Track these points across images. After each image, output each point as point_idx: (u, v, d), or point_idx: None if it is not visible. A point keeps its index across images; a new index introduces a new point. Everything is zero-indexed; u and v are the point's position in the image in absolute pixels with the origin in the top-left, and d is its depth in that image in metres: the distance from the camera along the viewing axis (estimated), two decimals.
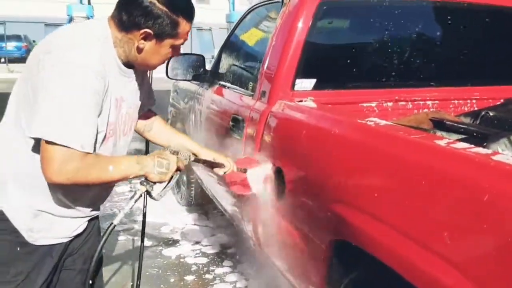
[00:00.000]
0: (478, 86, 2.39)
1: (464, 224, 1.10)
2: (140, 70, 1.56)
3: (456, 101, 2.37)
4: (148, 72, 1.72)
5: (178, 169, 1.48)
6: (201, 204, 3.80)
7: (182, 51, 1.58)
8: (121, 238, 3.27)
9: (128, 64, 1.47)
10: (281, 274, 2.15)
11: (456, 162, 1.20)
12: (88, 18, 12.87)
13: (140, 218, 1.45)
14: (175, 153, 1.52)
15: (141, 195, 1.47)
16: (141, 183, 1.46)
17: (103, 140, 1.42)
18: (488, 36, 2.48)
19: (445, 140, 1.36)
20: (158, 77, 2.26)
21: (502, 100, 2.37)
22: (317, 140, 1.76)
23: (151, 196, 1.53)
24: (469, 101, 2.37)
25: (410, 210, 1.27)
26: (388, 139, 1.48)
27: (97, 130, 1.35)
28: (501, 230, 1.01)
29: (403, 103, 2.29)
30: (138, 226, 3.28)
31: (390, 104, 2.27)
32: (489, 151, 1.24)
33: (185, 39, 1.46)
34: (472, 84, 2.39)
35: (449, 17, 2.42)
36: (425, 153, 1.32)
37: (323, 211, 1.60)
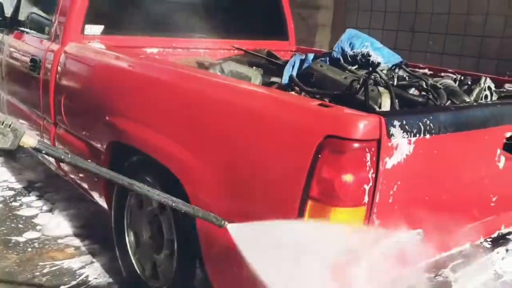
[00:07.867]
0: (239, 39, 3.09)
1: (191, 118, 1.72)
2: None
3: (222, 51, 3.04)
4: None
5: None
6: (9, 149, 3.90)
7: None
8: None
9: None
10: (81, 190, 2.60)
11: (191, 79, 1.82)
12: None
13: None
14: None
15: None
16: None
17: None
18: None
19: (190, 69, 1.96)
20: None
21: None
22: (101, 71, 2.23)
23: None
24: (232, 51, 3.06)
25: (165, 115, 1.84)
26: (149, 68, 2.04)
27: None
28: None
29: (180, 50, 2.87)
30: None
31: (169, 50, 2.83)
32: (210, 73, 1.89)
33: None
34: (234, 38, 3.08)
35: None
36: (174, 75, 1.91)
37: (103, 122, 2.09)
